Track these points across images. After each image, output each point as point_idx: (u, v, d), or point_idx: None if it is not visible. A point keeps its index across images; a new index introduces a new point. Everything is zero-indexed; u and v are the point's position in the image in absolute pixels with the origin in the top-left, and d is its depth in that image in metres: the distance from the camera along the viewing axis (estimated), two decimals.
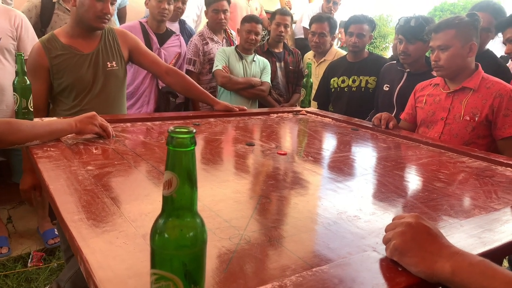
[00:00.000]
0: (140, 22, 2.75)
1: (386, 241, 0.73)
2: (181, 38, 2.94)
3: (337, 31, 3.36)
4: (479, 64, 1.80)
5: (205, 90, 2.19)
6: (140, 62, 2.09)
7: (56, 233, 2.45)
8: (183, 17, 3.23)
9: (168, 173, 0.48)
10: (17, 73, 1.57)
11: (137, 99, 2.72)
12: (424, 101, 1.93)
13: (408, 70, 2.28)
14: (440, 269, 0.65)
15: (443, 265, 0.65)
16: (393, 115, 2.04)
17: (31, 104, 1.59)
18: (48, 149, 1.25)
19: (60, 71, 1.86)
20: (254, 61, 2.95)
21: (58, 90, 1.90)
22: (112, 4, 1.88)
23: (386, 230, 0.76)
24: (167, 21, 2.94)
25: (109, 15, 1.87)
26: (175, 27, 3.07)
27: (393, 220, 0.78)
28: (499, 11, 2.23)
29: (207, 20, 3.16)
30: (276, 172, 1.25)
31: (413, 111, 2.01)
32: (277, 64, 3.17)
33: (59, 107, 1.94)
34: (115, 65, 1.98)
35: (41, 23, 2.58)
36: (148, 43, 2.66)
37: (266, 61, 3.03)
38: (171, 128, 0.48)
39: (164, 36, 2.79)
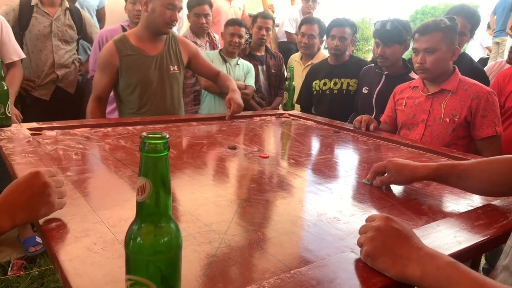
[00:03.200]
0: (122, 26, 2.72)
1: (359, 245, 0.74)
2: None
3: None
4: (456, 66, 1.84)
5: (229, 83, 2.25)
6: (197, 68, 2.31)
7: (37, 240, 2.41)
8: None
9: (142, 179, 0.48)
10: None
11: None
12: (404, 104, 1.95)
13: (386, 72, 2.31)
14: (411, 273, 0.65)
15: (413, 269, 0.65)
16: (372, 117, 2.06)
17: (9, 110, 1.57)
18: (27, 155, 1.23)
19: (128, 69, 2.05)
20: (238, 64, 2.96)
21: (124, 88, 2.08)
22: (179, 11, 2.06)
23: (360, 233, 0.76)
24: None
25: (175, 22, 2.06)
26: None
27: (366, 221, 0.79)
28: (473, 15, 2.28)
29: (189, 24, 3.15)
30: (258, 175, 1.25)
31: (393, 114, 2.03)
32: (259, 67, 3.18)
33: (126, 106, 2.13)
34: (176, 69, 2.17)
35: (19, 26, 2.54)
36: None
37: (250, 64, 3.03)
38: (144, 133, 0.48)
39: None
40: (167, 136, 0.48)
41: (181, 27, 3.79)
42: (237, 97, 2.12)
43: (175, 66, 2.16)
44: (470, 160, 1.08)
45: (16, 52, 2.32)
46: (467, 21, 2.24)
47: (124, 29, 2.68)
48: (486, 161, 1.03)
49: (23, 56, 2.38)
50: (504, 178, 0.98)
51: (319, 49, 3.20)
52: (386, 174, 1.15)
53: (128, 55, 2.05)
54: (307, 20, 3.14)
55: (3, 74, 1.57)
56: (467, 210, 1.02)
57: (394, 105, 2.03)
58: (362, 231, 0.75)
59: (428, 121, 1.84)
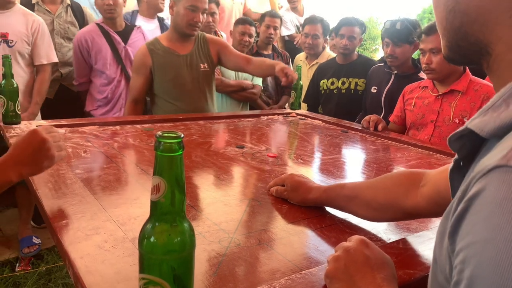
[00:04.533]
0: (97, 24, 2.57)
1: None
2: (142, 29, 2.74)
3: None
4: (467, 67, 1.83)
5: (269, 62, 2.24)
6: (229, 59, 2.29)
7: (33, 241, 2.35)
8: (165, 17, 3.19)
9: (156, 178, 0.48)
10: (4, 76, 1.56)
11: (114, 104, 2.60)
12: (413, 104, 1.94)
13: (395, 72, 2.30)
14: None
15: None
16: (381, 117, 2.05)
17: (19, 107, 1.58)
18: None
19: (160, 68, 2.14)
20: None
21: (158, 87, 2.18)
22: (203, 13, 2.12)
23: (335, 251, 0.69)
24: (145, 17, 2.89)
25: (199, 24, 2.13)
26: (154, 24, 2.96)
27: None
28: None
29: None
30: (266, 174, 1.25)
31: (402, 114, 2.02)
32: None
33: (162, 106, 2.20)
34: (207, 67, 2.24)
35: None
36: (112, 44, 2.54)
37: None
38: (159, 133, 0.48)
39: (125, 33, 2.62)
40: (182, 135, 0.48)
41: None
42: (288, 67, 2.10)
43: (205, 64, 2.23)
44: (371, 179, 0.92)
45: (47, 56, 2.35)
46: None
47: (100, 27, 2.54)
48: (380, 178, 0.89)
49: (55, 60, 2.41)
50: (390, 197, 0.83)
51: (324, 48, 3.19)
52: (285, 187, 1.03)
53: (160, 54, 2.14)
54: (310, 20, 3.12)
55: (12, 72, 1.58)
56: None
57: (403, 105, 2.02)
58: (335, 249, 0.68)
59: (437, 122, 1.83)
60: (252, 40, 2.93)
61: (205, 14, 2.17)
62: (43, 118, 1.73)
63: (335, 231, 0.87)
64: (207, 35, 2.35)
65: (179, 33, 2.17)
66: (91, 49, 2.50)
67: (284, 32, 4.23)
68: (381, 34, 2.36)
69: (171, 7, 2.12)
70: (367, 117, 1.96)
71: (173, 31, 2.19)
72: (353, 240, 0.66)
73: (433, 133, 1.83)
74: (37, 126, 1.57)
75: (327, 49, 3.29)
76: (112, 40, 2.55)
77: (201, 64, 2.22)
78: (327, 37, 3.22)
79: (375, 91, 2.40)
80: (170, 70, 2.15)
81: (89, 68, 2.57)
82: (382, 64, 2.44)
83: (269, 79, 3.19)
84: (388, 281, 0.60)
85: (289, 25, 4.21)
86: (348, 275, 0.61)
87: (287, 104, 3.18)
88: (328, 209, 0.99)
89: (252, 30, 2.89)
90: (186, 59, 2.19)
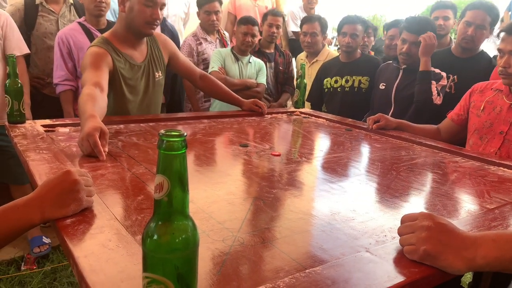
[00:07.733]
0: (79, 23, 2.48)
1: (407, 244, 0.74)
2: None
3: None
4: None
5: (231, 92, 2.25)
6: (177, 68, 2.12)
7: (43, 240, 2.37)
8: (170, 15, 3.17)
9: (159, 177, 0.48)
10: (9, 76, 1.56)
11: None
12: (481, 108, 1.72)
13: (404, 67, 2.29)
14: (483, 257, 0.69)
15: (474, 256, 0.69)
16: (390, 113, 2.03)
17: (23, 107, 1.58)
18: (41, 151, 1.24)
19: (117, 76, 1.81)
20: (249, 62, 2.95)
21: (107, 92, 1.70)
22: (161, 9, 1.82)
23: (401, 234, 0.76)
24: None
25: (158, 21, 1.81)
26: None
27: (402, 220, 0.79)
28: (492, 8, 2.24)
29: (198, 19, 3.14)
30: (270, 173, 1.25)
31: (464, 113, 1.83)
32: (268, 64, 3.18)
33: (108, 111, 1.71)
34: (160, 75, 2.01)
35: (26, 26, 2.51)
36: None
37: (261, 62, 3.03)
38: (162, 131, 0.48)
39: (107, 31, 2.47)
40: (185, 134, 0.48)
41: (187, 22, 3.75)
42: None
43: (159, 72, 1.99)
44: None
45: (19, 48, 2.32)
46: (487, 15, 2.20)
47: (82, 25, 2.47)
48: None
49: (26, 51, 2.38)
50: None
51: (323, 45, 3.19)
52: None
53: (118, 61, 1.81)
54: (308, 19, 3.13)
55: (17, 71, 1.58)
56: (482, 210, 1.01)
57: (468, 105, 1.81)
58: (407, 231, 0.75)
59: (508, 135, 1.60)
60: (256, 40, 2.93)
61: (163, 10, 1.87)
62: (47, 117, 1.73)
63: (339, 229, 0.87)
64: (156, 33, 2.00)
65: (133, 34, 1.84)
66: (72, 48, 2.42)
67: (293, 27, 4.23)
68: (400, 28, 2.33)
69: (121, 3, 1.79)
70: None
71: (126, 32, 1.83)
72: (422, 218, 0.75)
73: (501, 147, 1.60)
74: (42, 125, 1.58)
75: (327, 46, 3.29)
76: (94, 38, 2.38)
77: (156, 73, 1.97)
78: (326, 34, 3.22)
79: (383, 87, 2.39)
80: (126, 81, 1.86)
81: (67, 68, 2.45)
82: (390, 62, 2.43)
83: (270, 77, 3.19)
84: (467, 232, 0.74)
85: (299, 23, 4.21)
86: (445, 246, 0.70)
87: (290, 102, 3.18)
88: (332, 207, 0.98)
89: (255, 30, 2.89)
90: (143, 68, 1.91)
